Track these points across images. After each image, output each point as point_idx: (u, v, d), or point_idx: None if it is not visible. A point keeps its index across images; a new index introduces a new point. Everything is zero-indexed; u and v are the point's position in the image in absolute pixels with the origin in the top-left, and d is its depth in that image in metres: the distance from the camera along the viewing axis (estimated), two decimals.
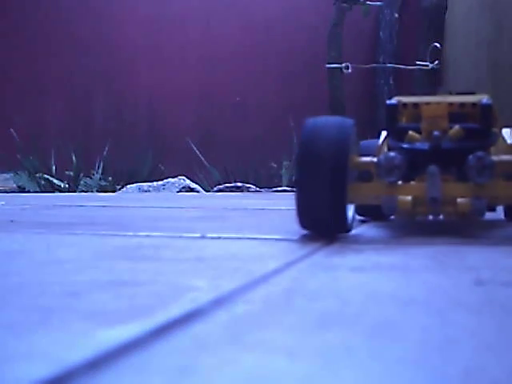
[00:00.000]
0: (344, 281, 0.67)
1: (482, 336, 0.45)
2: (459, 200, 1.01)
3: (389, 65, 3.99)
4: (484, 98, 1.13)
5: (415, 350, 0.41)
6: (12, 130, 4.19)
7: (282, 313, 0.52)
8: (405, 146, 1.08)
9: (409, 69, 3.52)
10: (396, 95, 1.21)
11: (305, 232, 1.05)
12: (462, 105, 1.13)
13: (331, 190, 0.96)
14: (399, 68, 3.78)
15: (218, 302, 0.55)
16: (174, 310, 0.52)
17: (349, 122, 1.03)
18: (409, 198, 1.02)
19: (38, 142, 4.10)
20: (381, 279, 0.68)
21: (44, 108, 4.51)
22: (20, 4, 4.58)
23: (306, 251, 0.88)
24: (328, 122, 1.03)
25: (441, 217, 1.08)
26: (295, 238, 1.04)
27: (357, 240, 1.03)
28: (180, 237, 1.08)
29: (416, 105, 1.14)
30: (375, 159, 1.05)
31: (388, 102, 1.17)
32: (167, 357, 0.40)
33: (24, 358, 0.39)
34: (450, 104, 1.12)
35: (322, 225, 1.00)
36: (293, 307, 0.54)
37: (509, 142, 1.21)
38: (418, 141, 1.08)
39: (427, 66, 3.24)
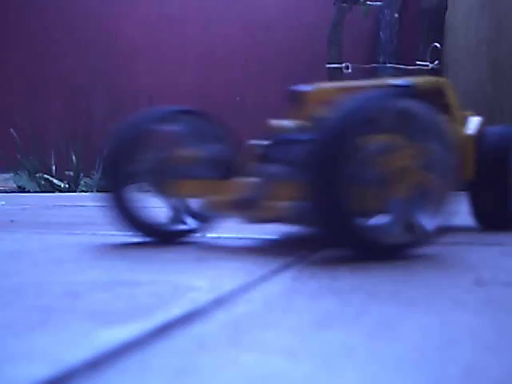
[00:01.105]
0: (343, 280, 0.67)
1: (482, 336, 0.45)
2: (277, 203, 0.84)
3: (389, 65, 3.99)
4: (408, 80, 0.98)
5: (415, 349, 0.41)
6: (12, 129, 4.19)
7: (282, 313, 0.52)
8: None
9: (409, 69, 3.51)
10: None
11: (302, 234, 1.05)
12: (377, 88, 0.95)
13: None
14: (399, 68, 3.77)
15: (218, 302, 0.55)
16: (174, 310, 0.52)
17: (145, 121, 0.99)
18: (217, 197, 0.90)
19: (38, 141, 4.10)
20: (381, 279, 0.68)
21: (44, 108, 4.51)
22: (20, 4, 4.58)
23: (305, 251, 0.88)
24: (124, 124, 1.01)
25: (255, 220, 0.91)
26: (295, 238, 1.04)
27: None
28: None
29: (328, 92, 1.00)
30: (198, 152, 0.95)
31: (291, 87, 1.05)
32: (167, 357, 0.40)
33: (24, 358, 0.39)
34: (359, 88, 0.96)
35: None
36: (293, 307, 0.54)
37: (468, 132, 1.13)
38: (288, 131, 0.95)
39: (427, 66, 3.23)
